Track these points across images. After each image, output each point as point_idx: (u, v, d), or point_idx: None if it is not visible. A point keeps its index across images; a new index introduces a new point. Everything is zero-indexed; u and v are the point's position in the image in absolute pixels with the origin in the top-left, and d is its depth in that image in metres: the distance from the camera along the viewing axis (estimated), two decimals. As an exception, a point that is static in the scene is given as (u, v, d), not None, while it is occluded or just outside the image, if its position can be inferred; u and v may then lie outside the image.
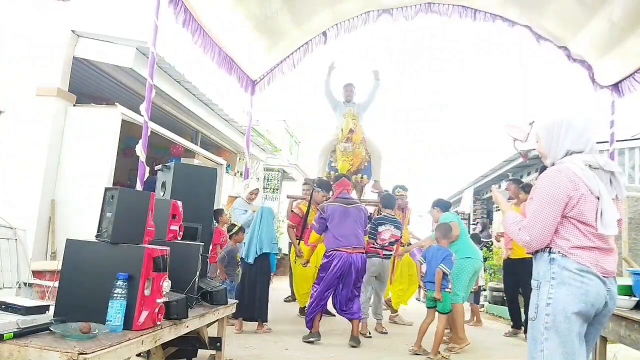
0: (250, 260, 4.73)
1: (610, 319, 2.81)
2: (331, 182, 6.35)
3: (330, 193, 5.67)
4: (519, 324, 5.52)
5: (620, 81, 5.47)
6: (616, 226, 1.96)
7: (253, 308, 4.74)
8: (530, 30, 5.52)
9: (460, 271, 4.60)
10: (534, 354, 2.00)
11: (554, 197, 1.97)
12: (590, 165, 2.00)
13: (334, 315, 5.90)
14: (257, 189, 5.64)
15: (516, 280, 5.32)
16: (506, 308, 6.14)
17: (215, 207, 4.67)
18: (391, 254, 5.42)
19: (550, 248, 2.01)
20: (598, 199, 1.96)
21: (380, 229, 5.23)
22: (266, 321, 4.87)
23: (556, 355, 1.91)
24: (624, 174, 1.99)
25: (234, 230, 4.83)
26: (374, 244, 5.19)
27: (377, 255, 5.18)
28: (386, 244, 5.24)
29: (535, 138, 2.22)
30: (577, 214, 1.96)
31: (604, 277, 1.94)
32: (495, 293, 7.57)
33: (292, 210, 6.13)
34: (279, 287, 8.09)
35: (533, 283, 2.08)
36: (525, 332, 5.09)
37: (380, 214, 5.77)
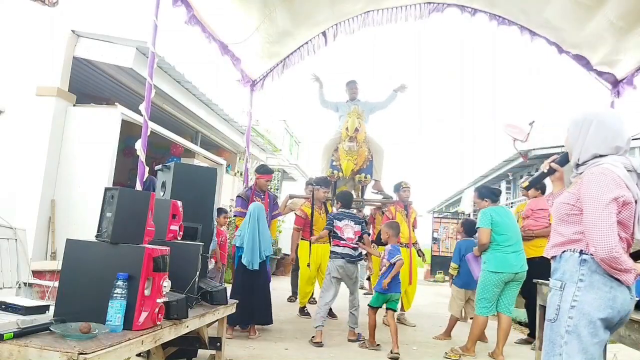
0: (257, 267, 4.49)
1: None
2: (333, 181, 6.35)
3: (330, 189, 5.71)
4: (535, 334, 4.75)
5: (620, 81, 5.48)
6: None
7: (266, 313, 4.61)
8: (527, 30, 5.52)
9: (485, 284, 4.33)
10: (550, 357, 1.93)
11: (606, 200, 1.85)
12: (625, 168, 1.93)
13: (336, 317, 5.91)
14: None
15: (529, 280, 4.61)
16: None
17: (215, 207, 4.61)
18: (360, 257, 4.88)
19: (582, 249, 1.92)
20: (636, 202, 1.90)
21: (339, 224, 4.80)
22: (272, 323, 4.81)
23: None
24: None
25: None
26: (338, 244, 4.76)
27: (339, 257, 4.72)
28: (353, 243, 4.78)
29: (566, 130, 2.12)
30: (621, 218, 1.88)
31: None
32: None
33: (295, 213, 6.13)
34: (278, 287, 8.09)
35: (555, 283, 1.99)
36: (532, 336, 4.85)
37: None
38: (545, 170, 2.29)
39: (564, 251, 1.98)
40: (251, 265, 4.47)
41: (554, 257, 2.05)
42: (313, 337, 4.55)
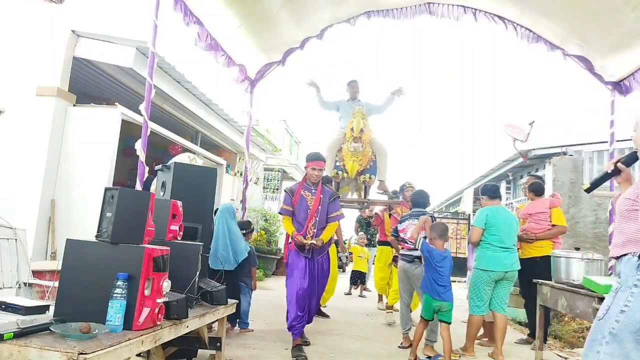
0: (230, 268, 4.40)
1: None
2: (337, 182, 6.34)
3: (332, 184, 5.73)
4: (535, 334, 4.60)
5: (622, 80, 5.47)
6: None
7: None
8: (528, 32, 5.52)
9: (475, 282, 4.38)
10: (588, 352, 1.87)
11: None
12: None
13: (329, 317, 5.90)
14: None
15: (530, 280, 4.62)
16: (512, 309, 6.02)
17: (214, 207, 4.59)
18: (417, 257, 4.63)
19: None
20: None
21: (402, 226, 4.79)
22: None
23: None
24: None
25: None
26: (403, 247, 4.77)
27: (402, 259, 4.79)
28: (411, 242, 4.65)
29: (633, 126, 1.98)
30: None
31: None
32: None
33: None
34: (277, 287, 8.08)
35: (614, 285, 1.90)
36: (532, 336, 4.88)
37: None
38: (609, 171, 2.11)
39: (625, 254, 1.86)
40: (223, 265, 4.34)
41: (616, 259, 1.93)
42: (401, 342, 4.67)
